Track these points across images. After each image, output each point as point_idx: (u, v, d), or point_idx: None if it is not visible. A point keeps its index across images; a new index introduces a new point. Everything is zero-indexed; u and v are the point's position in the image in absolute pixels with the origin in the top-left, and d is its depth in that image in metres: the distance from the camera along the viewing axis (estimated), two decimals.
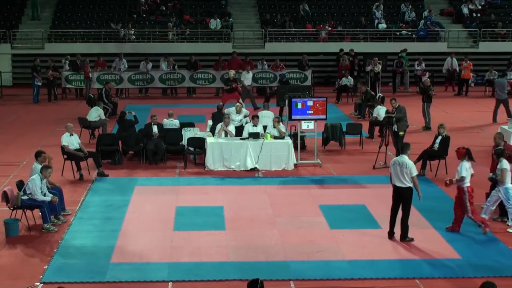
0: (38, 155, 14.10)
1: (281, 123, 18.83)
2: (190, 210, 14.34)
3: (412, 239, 12.68)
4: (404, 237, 12.68)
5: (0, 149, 19.80)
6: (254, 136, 17.85)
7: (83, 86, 29.21)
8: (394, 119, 18.22)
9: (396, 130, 18.22)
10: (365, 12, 35.39)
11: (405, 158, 12.64)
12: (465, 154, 13.09)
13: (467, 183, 13.00)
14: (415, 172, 12.57)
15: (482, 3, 36.15)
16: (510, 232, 13.19)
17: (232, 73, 26.23)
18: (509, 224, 13.40)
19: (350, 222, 13.56)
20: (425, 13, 34.56)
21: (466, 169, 12.99)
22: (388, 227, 12.84)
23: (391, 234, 12.77)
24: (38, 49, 32.09)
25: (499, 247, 12.41)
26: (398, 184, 12.56)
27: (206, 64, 31.01)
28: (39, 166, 13.63)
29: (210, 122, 20.05)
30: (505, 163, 13.29)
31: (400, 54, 30.88)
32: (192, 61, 30.06)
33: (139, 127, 19.73)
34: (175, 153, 18.64)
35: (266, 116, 19.63)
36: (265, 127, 18.60)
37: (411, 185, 12.55)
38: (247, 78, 27.43)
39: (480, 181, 15.64)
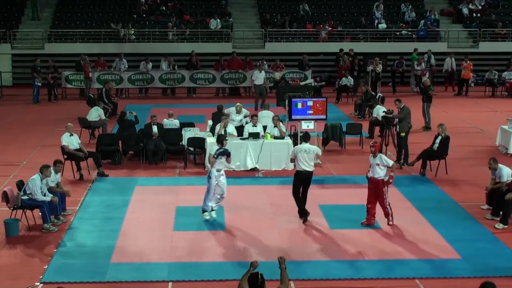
0: (57, 163, 14.01)
1: (281, 122, 18.85)
2: (190, 210, 14.33)
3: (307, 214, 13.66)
4: (306, 216, 13.67)
5: (0, 149, 19.80)
6: (254, 136, 17.85)
7: (83, 86, 29.20)
8: (396, 119, 18.22)
9: (397, 130, 18.19)
10: (365, 12, 35.39)
11: (309, 145, 13.82)
12: (380, 149, 13.58)
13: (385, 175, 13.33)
14: (320, 152, 14.13)
15: (482, 3, 36.15)
16: (497, 228, 13.24)
17: (277, 75, 27.08)
18: None
19: (350, 222, 13.55)
20: (428, 13, 34.59)
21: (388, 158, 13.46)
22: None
23: (303, 214, 13.68)
24: (38, 49, 32.10)
25: (499, 247, 12.41)
26: (307, 169, 13.62)
27: (206, 64, 31.00)
28: (54, 174, 13.65)
29: (210, 122, 20.05)
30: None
31: (413, 55, 30.85)
32: (192, 60, 30.00)
33: (139, 127, 19.73)
34: (175, 153, 18.64)
35: (266, 116, 19.62)
36: (265, 127, 18.60)
37: (313, 169, 13.79)
38: (258, 77, 27.38)
39: (481, 181, 15.69)
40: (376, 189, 13.33)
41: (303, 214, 13.73)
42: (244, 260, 11.70)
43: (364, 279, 10.95)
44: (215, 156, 13.61)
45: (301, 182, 13.74)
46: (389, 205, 13.34)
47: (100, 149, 17.98)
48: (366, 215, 13.49)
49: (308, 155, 13.60)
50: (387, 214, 13.40)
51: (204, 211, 13.79)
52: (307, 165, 13.62)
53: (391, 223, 13.38)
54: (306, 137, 14.18)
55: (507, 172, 14.02)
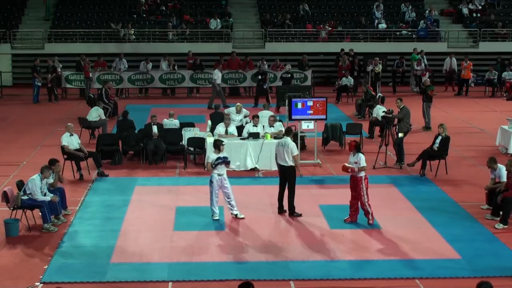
0: (52, 163, 13.93)
1: (281, 122, 18.88)
2: (190, 210, 14.34)
3: (300, 215, 13.88)
4: (292, 213, 13.94)
5: (0, 149, 19.80)
6: (254, 136, 17.85)
7: (83, 86, 29.20)
8: (396, 119, 18.22)
9: (397, 130, 18.19)
10: (365, 12, 35.40)
11: (287, 140, 14.00)
12: (355, 146, 13.58)
13: (363, 173, 13.48)
14: (296, 152, 13.92)
15: (482, 3, 36.16)
16: (497, 228, 13.25)
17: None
18: None
19: (350, 222, 13.55)
20: (427, 13, 34.61)
21: (365, 160, 13.52)
22: None
23: (280, 209, 14.07)
24: (38, 49, 32.11)
25: (499, 247, 12.41)
26: (282, 163, 13.94)
27: (206, 64, 30.99)
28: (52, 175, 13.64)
29: (210, 123, 20.03)
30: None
31: (412, 55, 30.88)
32: (197, 63, 29.93)
33: (139, 127, 19.71)
34: (175, 153, 18.64)
35: (266, 116, 19.60)
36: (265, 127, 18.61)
37: (292, 164, 13.84)
38: (218, 76, 27.48)
39: (481, 181, 15.70)
40: (355, 186, 13.46)
41: (280, 209, 14.08)
42: (244, 260, 11.72)
43: (364, 279, 10.94)
44: (213, 165, 13.55)
45: (281, 176, 14.10)
46: (368, 203, 13.40)
47: (100, 149, 17.98)
48: (349, 212, 13.59)
49: (284, 149, 13.80)
50: (366, 213, 13.48)
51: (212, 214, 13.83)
52: (282, 160, 13.92)
53: (371, 222, 13.42)
54: (287, 131, 14.58)
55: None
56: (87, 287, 10.73)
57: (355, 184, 13.46)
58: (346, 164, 13.55)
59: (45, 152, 18.88)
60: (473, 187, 15.92)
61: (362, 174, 13.43)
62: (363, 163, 13.39)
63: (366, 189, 13.41)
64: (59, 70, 28.80)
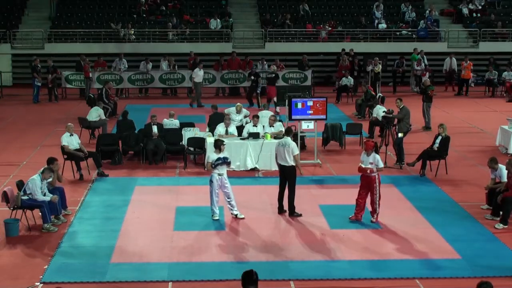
0: (51, 161, 13.91)
1: (281, 122, 18.88)
2: (190, 210, 14.34)
3: (300, 215, 13.85)
4: (292, 213, 13.91)
5: (0, 149, 19.80)
6: (254, 136, 17.85)
7: (83, 86, 29.21)
8: (396, 119, 18.22)
9: (397, 131, 18.19)
10: (365, 12, 35.41)
11: (288, 139, 14.00)
12: (374, 147, 13.56)
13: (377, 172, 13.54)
14: (296, 151, 13.89)
15: (482, 3, 36.16)
16: (497, 228, 13.24)
17: None
18: None
19: (350, 222, 13.56)
20: (427, 13, 34.63)
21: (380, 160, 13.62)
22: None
23: (280, 209, 14.06)
24: (38, 49, 32.09)
25: (499, 247, 12.41)
26: (282, 163, 13.90)
27: (206, 64, 30.98)
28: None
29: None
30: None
31: (412, 55, 30.89)
32: (196, 61, 29.91)
33: (139, 127, 19.71)
34: (175, 153, 18.64)
35: (266, 116, 19.60)
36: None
37: (293, 163, 13.83)
38: (198, 75, 27.48)
39: (481, 181, 15.70)
40: (368, 186, 13.45)
41: (280, 209, 14.06)
42: (244, 260, 11.72)
43: (364, 279, 10.94)
44: (213, 165, 13.52)
45: (281, 176, 14.07)
46: (379, 202, 13.45)
47: (100, 149, 17.98)
48: (354, 210, 13.61)
49: (285, 148, 13.80)
50: (374, 211, 13.55)
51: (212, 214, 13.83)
52: (282, 160, 13.90)
53: (374, 220, 13.50)
54: (287, 131, 14.60)
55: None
56: (87, 287, 10.73)
57: (368, 183, 13.43)
58: (362, 166, 13.49)
59: (45, 152, 18.85)
60: (473, 187, 15.92)
61: (376, 173, 13.43)
62: (381, 164, 13.43)
63: (379, 188, 13.43)
64: (39, 71, 28.63)
